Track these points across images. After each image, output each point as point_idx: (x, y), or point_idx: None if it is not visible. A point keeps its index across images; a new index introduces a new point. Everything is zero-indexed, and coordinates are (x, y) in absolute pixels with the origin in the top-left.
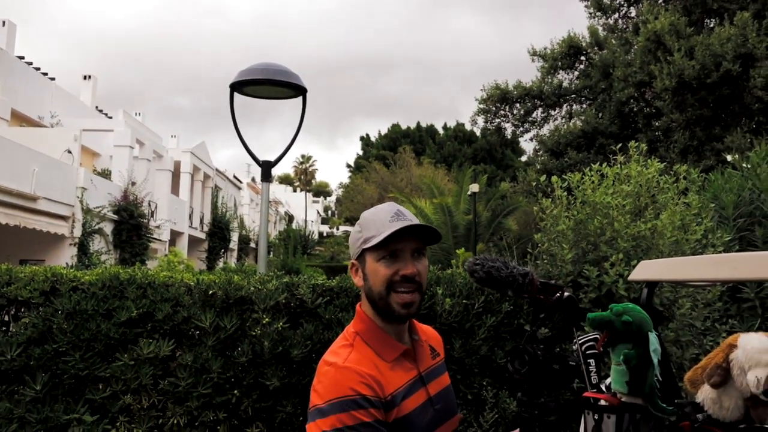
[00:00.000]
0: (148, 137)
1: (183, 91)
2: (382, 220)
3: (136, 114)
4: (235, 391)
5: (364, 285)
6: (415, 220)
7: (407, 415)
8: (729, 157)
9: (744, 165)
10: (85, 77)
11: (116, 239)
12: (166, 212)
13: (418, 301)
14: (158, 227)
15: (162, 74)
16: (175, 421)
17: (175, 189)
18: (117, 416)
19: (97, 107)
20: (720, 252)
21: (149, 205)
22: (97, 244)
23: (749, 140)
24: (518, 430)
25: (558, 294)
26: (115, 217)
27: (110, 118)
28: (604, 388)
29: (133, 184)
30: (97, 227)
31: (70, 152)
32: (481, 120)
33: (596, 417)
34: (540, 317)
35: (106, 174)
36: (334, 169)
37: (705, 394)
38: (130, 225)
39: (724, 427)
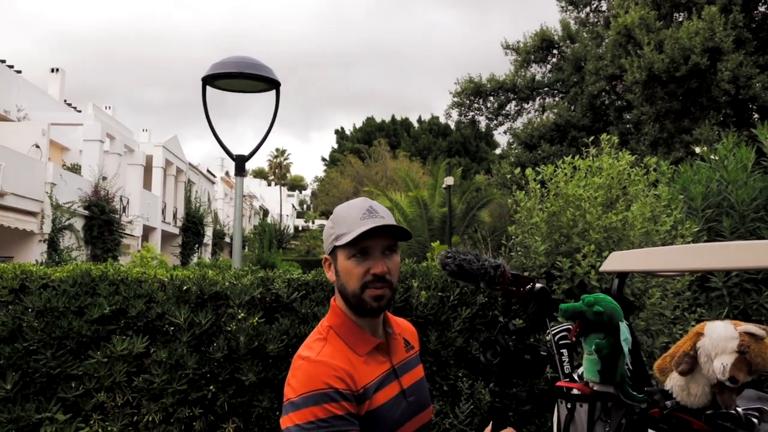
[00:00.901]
0: (119, 131)
1: (154, 85)
2: (353, 217)
3: (106, 107)
4: (211, 387)
5: (336, 281)
6: (388, 216)
7: (379, 408)
8: (698, 149)
9: (712, 157)
10: (52, 70)
11: (87, 235)
12: (139, 207)
13: (389, 295)
14: (130, 222)
15: (132, 67)
16: (150, 418)
17: (147, 184)
18: (90, 414)
19: (65, 101)
20: (689, 242)
21: (121, 200)
22: (67, 241)
23: (717, 132)
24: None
25: (529, 286)
26: (86, 212)
27: (79, 111)
28: (576, 378)
29: (104, 179)
30: (67, 223)
31: (38, 147)
32: (455, 113)
33: (569, 406)
34: (512, 308)
35: (75, 169)
36: (308, 162)
37: (673, 381)
38: (101, 220)
39: (692, 413)
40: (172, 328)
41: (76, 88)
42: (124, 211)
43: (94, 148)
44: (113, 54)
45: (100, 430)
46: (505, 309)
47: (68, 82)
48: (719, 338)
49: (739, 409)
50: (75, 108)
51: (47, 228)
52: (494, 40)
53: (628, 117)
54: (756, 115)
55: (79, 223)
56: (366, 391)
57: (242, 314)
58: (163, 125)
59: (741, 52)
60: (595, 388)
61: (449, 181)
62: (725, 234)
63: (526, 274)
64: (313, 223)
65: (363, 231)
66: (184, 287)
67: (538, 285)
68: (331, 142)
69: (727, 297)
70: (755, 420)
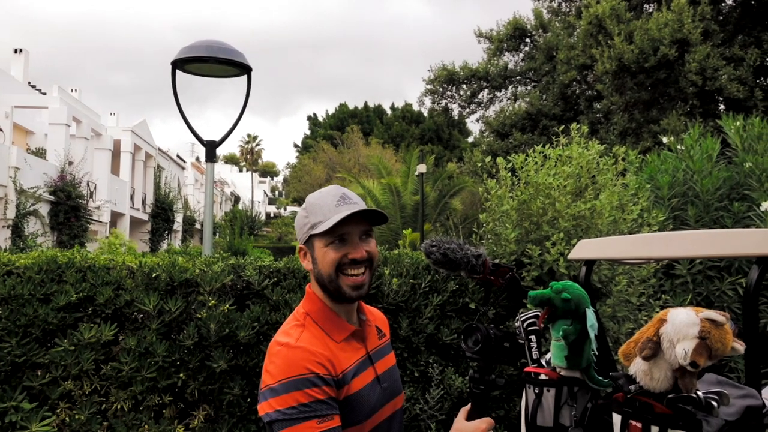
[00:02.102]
0: (86, 115)
1: (121, 69)
2: (328, 204)
3: (72, 90)
4: (181, 375)
5: (313, 269)
6: (361, 203)
7: (357, 393)
8: (665, 140)
9: (679, 147)
10: (15, 51)
11: (53, 221)
12: (106, 193)
13: (368, 281)
14: (98, 208)
15: (98, 51)
16: (119, 406)
17: (115, 169)
18: (57, 403)
19: (29, 83)
20: (655, 231)
21: (88, 185)
22: (32, 226)
23: (684, 123)
24: (470, 405)
25: (508, 275)
26: (52, 198)
27: (44, 94)
28: (544, 363)
29: (71, 163)
30: (32, 209)
31: (0, 130)
32: (428, 100)
33: (537, 391)
34: (490, 297)
35: (40, 153)
36: (281, 149)
37: (637, 366)
38: (67, 206)
39: (654, 396)
40: (141, 315)
41: (40, 69)
42: (91, 196)
43: (59, 131)
44: (77, 37)
45: (67, 418)
46: (483, 297)
47: (32, 64)
48: (681, 324)
49: (700, 393)
50: (39, 90)
51: (11, 213)
52: (467, 28)
53: (598, 107)
54: (721, 107)
55: (44, 209)
56: (344, 376)
57: (213, 301)
58: (132, 110)
59: (708, 44)
60: (562, 373)
61: (422, 168)
62: (690, 222)
63: (496, 261)
64: (285, 209)
65: (342, 217)
66: (154, 274)
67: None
68: (303, 129)
69: (691, 284)
70: (715, 403)
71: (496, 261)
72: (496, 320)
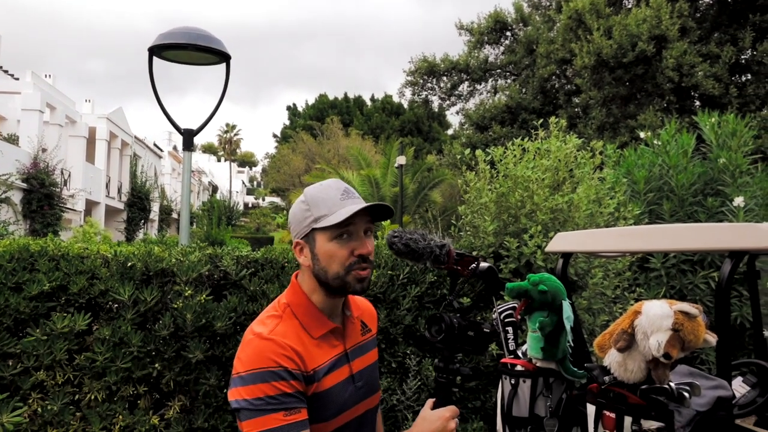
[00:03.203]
0: (60, 101)
1: (95, 56)
2: (332, 198)
3: (46, 76)
4: (156, 365)
5: (313, 264)
6: (361, 198)
7: (327, 390)
8: (642, 134)
9: (655, 142)
10: None
11: (26, 209)
12: (81, 181)
13: (370, 276)
14: (72, 197)
15: (72, 37)
16: (93, 397)
17: (90, 156)
18: (29, 393)
19: (1, 67)
20: (631, 224)
21: (62, 173)
22: (4, 214)
23: (661, 118)
24: (434, 400)
25: (473, 265)
26: (24, 185)
27: (17, 79)
28: (520, 354)
29: (44, 150)
30: (3, 196)
31: None
32: (408, 92)
33: (513, 381)
34: (457, 287)
35: (13, 140)
36: (259, 138)
37: (612, 358)
38: (41, 194)
39: (628, 387)
40: (116, 305)
41: (13, 54)
42: (65, 184)
43: (33, 118)
44: (52, 22)
45: (39, 409)
46: (450, 287)
47: (4, 48)
48: (655, 317)
49: (672, 384)
50: (12, 75)
51: None
52: (447, 21)
53: (576, 101)
54: (697, 103)
55: (16, 197)
56: (315, 373)
57: (189, 291)
58: (107, 97)
59: (685, 41)
60: (538, 364)
61: (401, 160)
62: (665, 217)
63: (474, 253)
64: (263, 200)
65: (355, 211)
66: (129, 264)
67: (485, 264)
68: (282, 119)
69: (665, 277)
70: (686, 394)
71: (461, 251)
72: (464, 309)
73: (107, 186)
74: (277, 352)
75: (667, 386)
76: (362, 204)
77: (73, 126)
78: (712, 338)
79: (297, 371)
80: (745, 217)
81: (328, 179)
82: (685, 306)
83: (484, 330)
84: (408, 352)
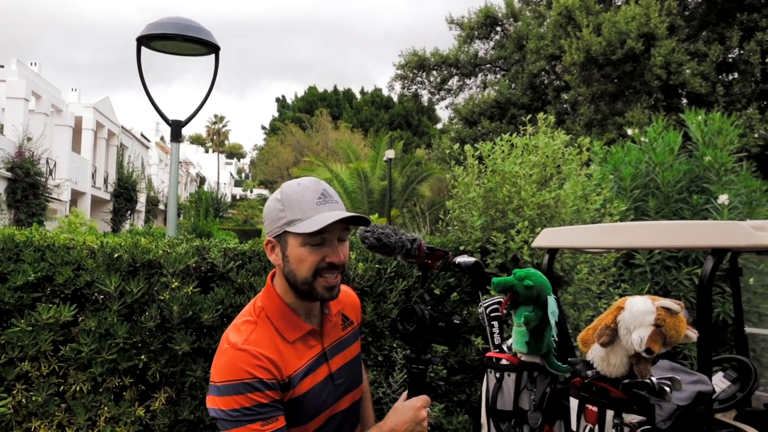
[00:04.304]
0: (46, 90)
1: (81, 45)
2: (308, 201)
3: (32, 64)
4: (143, 357)
5: (283, 265)
6: (340, 202)
7: (304, 394)
8: (629, 131)
9: (642, 139)
10: None
11: (10, 198)
12: (67, 171)
13: (340, 283)
14: (58, 186)
15: (57, 27)
16: (78, 388)
17: (76, 146)
18: (13, 384)
19: None
20: (616, 221)
21: (47, 162)
22: None
23: (648, 116)
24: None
25: (441, 260)
26: (9, 174)
27: (2, 67)
28: (506, 349)
29: (29, 139)
30: None
31: None
32: (398, 86)
33: (498, 375)
34: (428, 280)
35: None
36: (248, 130)
37: (595, 352)
38: (25, 183)
39: (611, 382)
40: (102, 296)
41: None
42: (50, 174)
43: (18, 106)
44: (37, 10)
45: (23, 400)
46: (421, 281)
47: None
48: (638, 312)
49: (654, 379)
50: None
51: None
52: (438, 14)
53: (565, 97)
54: (684, 101)
55: (1, 186)
56: (291, 379)
57: (176, 283)
58: (94, 87)
59: (674, 39)
60: (522, 358)
61: (390, 154)
62: (650, 214)
63: (461, 248)
64: (251, 192)
65: (329, 223)
66: (115, 255)
67: (471, 259)
68: (271, 111)
69: (649, 273)
70: (667, 388)
71: (431, 245)
72: (436, 301)
73: (93, 176)
74: (252, 363)
75: (648, 381)
76: (338, 214)
77: (59, 115)
78: (693, 334)
79: (272, 380)
80: (729, 214)
81: (306, 178)
82: (668, 302)
83: (455, 321)
84: (394, 345)
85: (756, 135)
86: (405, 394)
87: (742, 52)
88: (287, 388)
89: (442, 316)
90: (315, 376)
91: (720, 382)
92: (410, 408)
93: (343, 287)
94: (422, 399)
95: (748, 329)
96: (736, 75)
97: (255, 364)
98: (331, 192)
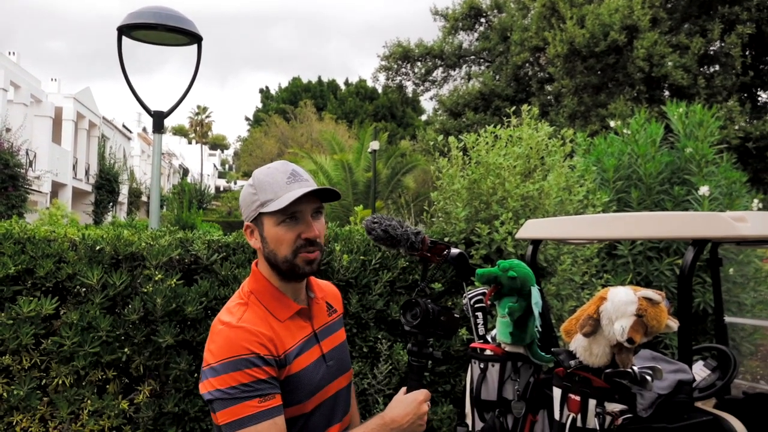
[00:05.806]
0: (25, 80)
1: (60, 35)
2: (278, 182)
3: (10, 54)
4: (126, 349)
5: (263, 248)
6: (310, 179)
7: (299, 373)
8: (612, 123)
9: (625, 131)
10: None
11: None
12: (47, 162)
13: (320, 258)
14: (38, 178)
15: (35, 17)
16: (60, 381)
17: (56, 137)
18: None
19: None
20: (599, 212)
21: (27, 153)
22: None
23: (631, 108)
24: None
25: (444, 252)
26: None
27: None
28: (489, 339)
29: (8, 130)
30: None
31: None
32: (382, 77)
33: (482, 366)
34: (428, 273)
35: None
36: (231, 121)
37: (577, 342)
38: (4, 175)
39: (593, 371)
40: (84, 289)
41: None
42: (30, 165)
43: None
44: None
45: (5, 394)
46: (422, 274)
47: None
48: (620, 302)
49: (635, 368)
50: None
51: None
52: (422, 6)
53: (549, 89)
54: (666, 93)
55: None
56: (287, 356)
57: (159, 276)
58: (74, 78)
59: (656, 31)
60: (506, 348)
61: (375, 145)
62: (633, 205)
63: (446, 239)
64: (235, 183)
65: (297, 197)
66: (98, 247)
67: (456, 250)
68: (255, 102)
69: (631, 264)
70: (649, 378)
71: (435, 239)
72: (436, 295)
73: (74, 168)
74: (249, 339)
75: (630, 370)
76: (307, 188)
77: (39, 105)
78: (674, 324)
79: (270, 357)
80: (709, 206)
81: (276, 161)
82: (649, 292)
83: (455, 315)
84: (379, 336)
85: (736, 127)
86: (403, 389)
87: (723, 44)
88: (283, 365)
89: (444, 309)
90: (308, 355)
91: (700, 371)
92: (412, 401)
93: (322, 281)
94: (423, 393)
95: (727, 319)
96: (717, 67)
97: (253, 339)
98: (300, 171)
